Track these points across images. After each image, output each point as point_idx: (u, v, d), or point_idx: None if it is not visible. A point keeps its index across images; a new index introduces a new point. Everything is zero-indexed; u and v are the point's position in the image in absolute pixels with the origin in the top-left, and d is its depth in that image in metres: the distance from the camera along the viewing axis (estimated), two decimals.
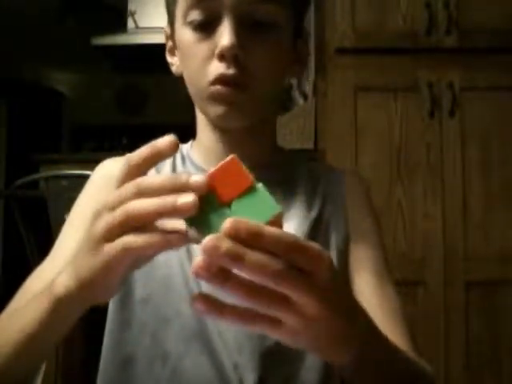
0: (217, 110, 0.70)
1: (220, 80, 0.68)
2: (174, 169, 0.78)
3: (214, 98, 0.70)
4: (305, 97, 2.18)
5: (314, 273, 0.41)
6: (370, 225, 0.79)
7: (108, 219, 0.45)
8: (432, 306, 1.76)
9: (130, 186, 0.45)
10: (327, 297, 0.42)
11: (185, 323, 0.68)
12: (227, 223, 0.39)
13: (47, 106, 5.44)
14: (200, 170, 0.77)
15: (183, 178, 0.44)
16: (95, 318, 0.78)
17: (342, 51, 1.85)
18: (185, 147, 0.82)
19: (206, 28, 0.69)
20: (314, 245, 0.41)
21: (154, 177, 0.45)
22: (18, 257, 2.93)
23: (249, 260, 0.39)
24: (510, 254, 1.79)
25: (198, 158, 0.79)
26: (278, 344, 0.67)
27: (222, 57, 0.67)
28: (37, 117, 5.26)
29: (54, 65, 5.29)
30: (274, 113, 0.82)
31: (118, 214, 0.44)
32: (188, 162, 0.79)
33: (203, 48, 0.69)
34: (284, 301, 0.41)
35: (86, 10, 4.30)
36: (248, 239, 0.39)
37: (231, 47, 0.66)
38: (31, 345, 0.54)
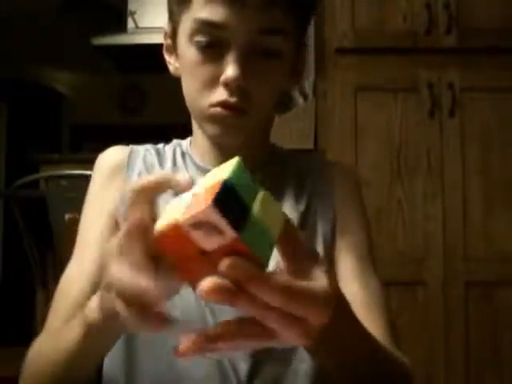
0: (214, 129, 0.72)
1: (221, 104, 0.70)
2: (174, 164, 0.80)
3: (213, 119, 0.71)
4: (305, 97, 2.18)
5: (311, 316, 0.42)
6: (356, 217, 0.80)
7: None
8: (432, 306, 1.76)
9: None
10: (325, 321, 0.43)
11: (184, 308, 0.69)
12: (225, 263, 0.38)
13: (47, 105, 5.44)
14: (199, 167, 0.79)
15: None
16: None
17: (342, 51, 1.85)
18: (184, 143, 0.84)
19: (213, 49, 0.69)
20: (310, 286, 0.42)
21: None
22: (18, 257, 2.94)
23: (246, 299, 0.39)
24: (509, 255, 1.79)
25: (195, 155, 0.81)
26: None
27: (226, 85, 0.68)
28: (37, 117, 5.26)
29: (54, 65, 5.29)
30: (268, 120, 0.83)
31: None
32: (188, 159, 0.81)
33: (207, 70, 0.70)
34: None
35: (85, 10, 4.30)
36: (244, 282, 0.39)
37: (236, 79, 0.67)
38: (72, 365, 0.59)
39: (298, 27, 0.74)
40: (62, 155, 3.74)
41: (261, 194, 0.43)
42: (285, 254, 0.45)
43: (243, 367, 0.68)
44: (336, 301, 0.45)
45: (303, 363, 0.70)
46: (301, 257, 0.45)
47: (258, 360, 0.68)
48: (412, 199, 1.80)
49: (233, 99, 0.69)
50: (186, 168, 0.79)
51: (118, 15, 3.71)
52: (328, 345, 0.49)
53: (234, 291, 0.39)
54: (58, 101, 5.61)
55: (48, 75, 5.43)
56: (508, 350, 1.77)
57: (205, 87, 0.70)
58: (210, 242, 0.39)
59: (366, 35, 1.85)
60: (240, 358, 0.68)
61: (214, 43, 0.69)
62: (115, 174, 0.79)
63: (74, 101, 5.59)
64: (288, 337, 0.42)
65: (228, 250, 0.39)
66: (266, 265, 0.41)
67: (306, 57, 0.82)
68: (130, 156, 0.81)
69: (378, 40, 1.85)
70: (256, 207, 0.41)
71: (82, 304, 0.58)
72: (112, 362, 0.73)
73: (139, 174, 0.78)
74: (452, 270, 1.78)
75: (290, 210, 0.76)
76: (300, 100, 2.21)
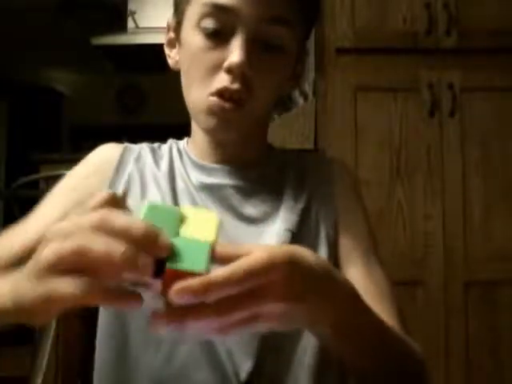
0: (209, 122, 0.72)
1: (221, 93, 0.69)
2: (171, 162, 0.80)
3: (210, 110, 0.71)
4: (305, 97, 2.18)
5: (270, 283, 0.45)
6: (357, 212, 0.80)
7: (56, 248, 0.42)
8: (432, 306, 1.76)
9: (93, 218, 0.43)
10: (291, 293, 0.46)
11: None
12: (172, 292, 0.41)
13: (47, 105, 5.44)
14: (196, 164, 0.79)
15: (153, 234, 0.42)
16: (94, 316, 0.78)
17: (342, 51, 1.85)
18: (181, 143, 0.84)
19: (218, 36, 0.69)
20: (259, 258, 0.44)
21: (123, 217, 0.43)
22: None
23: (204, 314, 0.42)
24: (509, 254, 1.79)
25: (193, 153, 0.81)
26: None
27: (229, 71, 0.68)
28: (37, 117, 5.26)
29: (54, 65, 5.30)
30: (266, 119, 0.83)
31: (69, 245, 0.42)
32: (185, 156, 0.81)
33: (212, 57, 0.70)
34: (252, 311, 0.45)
35: (85, 10, 4.30)
36: (198, 297, 0.41)
37: (240, 65, 0.67)
38: None
39: (303, 26, 0.74)
40: (61, 155, 3.74)
41: (181, 215, 0.47)
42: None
43: (244, 366, 0.67)
44: (287, 259, 0.46)
45: (306, 357, 0.70)
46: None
47: (259, 358, 0.68)
48: (412, 199, 1.80)
49: (234, 86, 0.68)
50: (184, 165, 0.80)
51: (118, 15, 3.72)
52: (324, 320, 0.51)
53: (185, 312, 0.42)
54: (58, 101, 5.61)
55: (48, 75, 5.43)
56: (508, 350, 1.77)
57: (207, 75, 0.70)
58: (152, 288, 0.43)
59: (365, 35, 1.85)
60: (241, 357, 0.67)
61: (220, 29, 0.69)
62: (100, 171, 0.79)
63: (73, 101, 5.59)
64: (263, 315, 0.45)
65: (170, 282, 0.42)
66: (208, 270, 0.43)
67: (306, 63, 0.82)
68: (122, 155, 0.80)
69: (378, 40, 1.85)
70: (179, 228, 0.45)
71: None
72: (105, 363, 0.73)
73: (130, 174, 0.78)
74: (452, 270, 1.78)
75: (290, 209, 0.76)
76: (300, 100, 2.21)
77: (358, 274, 0.74)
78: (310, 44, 2.04)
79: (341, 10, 1.85)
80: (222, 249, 0.46)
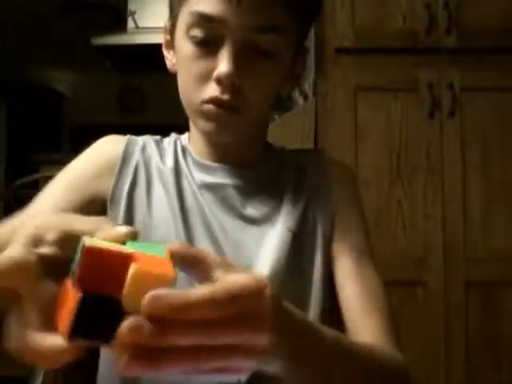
0: (206, 126, 0.72)
1: (213, 101, 0.69)
2: (176, 159, 0.79)
3: (206, 116, 0.71)
4: (305, 97, 2.18)
5: (256, 310, 0.39)
6: (354, 213, 0.80)
7: None
8: (432, 306, 1.76)
9: None
10: (275, 326, 0.41)
11: None
12: (145, 302, 0.35)
13: (47, 105, 5.45)
14: (197, 163, 0.79)
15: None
16: None
17: (341, 51, 1.85)
18: (183, 138, 0.84)
19: (207, 45, 0.69)
20: (247, 281, 0.39)
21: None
22: None
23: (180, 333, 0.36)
24: (510, 254, 1.79)
25: (194, 151, 0.80)
26: None
27: (218, 81, 0.68)
28: (37, 117, 5.27)
29: (54, 65, 5.30)
30: (265, 120, 0.83)
31: None
32: (188, 155, 0.81)
33: (201, 66, 0.69)
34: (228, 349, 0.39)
35: (85, 10, 4.30)
36: (174, 314, 0.35)
37: (229, 75, 0.67)
38: None
39: (298, 28, 0.73)
40: (61, 155, 3.74)
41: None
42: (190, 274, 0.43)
43: None
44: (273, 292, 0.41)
45: None
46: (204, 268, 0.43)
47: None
48: (412, 199, 1.80)
49: (225, 96, 0.68)
50: (187, 163, 0.79)
51: (117, 15, 3.72)
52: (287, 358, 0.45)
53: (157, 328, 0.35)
54: (58, 101, 5.61)
55: (48, 75, 5.43)
56: (508, 349, 1.77)
57: (198, 82, 0.70)
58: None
59: (366, 35, 1.85)
60: None
61: (209, 39, 0.68)
62: (107, 167, 0.77)
63: (74, 101, 5.60)
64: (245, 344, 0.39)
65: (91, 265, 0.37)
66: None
67: (306, 60, 0.81)
68: (127, 146, 0.80)
69: (378, 40, 1.85)
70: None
71: None
72: (105, 363, 0.73)
73: (137, 165, 0.78)
74: (452, 269, 1.78)
75: (291, 210, 0.76)
76: (300, 100, 2.21)
77: (349, 276, 0.74)
78: (310, 44, 2.04)
79: (341, 10, 1.85)
80: (174, 247, 0.42)
